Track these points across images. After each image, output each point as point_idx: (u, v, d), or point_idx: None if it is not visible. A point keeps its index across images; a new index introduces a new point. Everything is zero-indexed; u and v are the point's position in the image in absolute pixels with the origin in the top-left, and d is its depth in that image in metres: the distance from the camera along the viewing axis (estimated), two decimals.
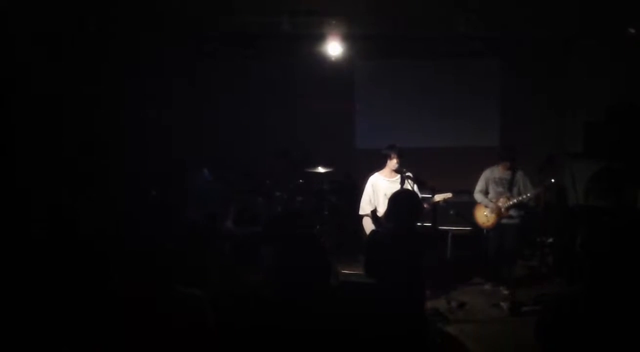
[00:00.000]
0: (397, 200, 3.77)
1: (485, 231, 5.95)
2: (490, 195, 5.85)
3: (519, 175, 5.71)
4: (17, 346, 2.89)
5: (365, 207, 5.39)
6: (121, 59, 6.86)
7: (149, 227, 3.58)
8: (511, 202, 5.69)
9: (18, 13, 5.43)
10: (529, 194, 5.64)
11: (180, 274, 2.65)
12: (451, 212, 6.05)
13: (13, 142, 6.37)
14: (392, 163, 5.29)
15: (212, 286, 2.92)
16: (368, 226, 5.41)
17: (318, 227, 6.77)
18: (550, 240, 6.87)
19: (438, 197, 5.33)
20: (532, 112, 7.86)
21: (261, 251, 3.87)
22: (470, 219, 6.23)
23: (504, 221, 5.76)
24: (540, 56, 7.72)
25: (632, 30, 5.85)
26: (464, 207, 6.32)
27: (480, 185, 5.96)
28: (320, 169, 6.72)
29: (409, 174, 5.13)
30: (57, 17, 5.82)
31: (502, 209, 5.74)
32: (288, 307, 3.51)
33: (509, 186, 5.69)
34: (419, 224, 4.21)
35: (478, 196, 5.95)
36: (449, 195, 5.38)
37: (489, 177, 5.91)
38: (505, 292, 5.64)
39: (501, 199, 5.75)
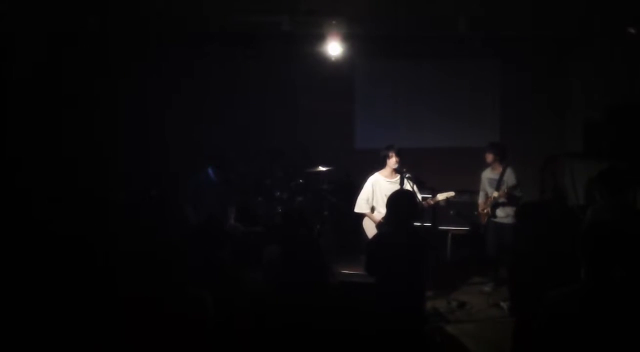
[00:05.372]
0: (395, 200, 3.78)
1: (482, 229, 5.97)
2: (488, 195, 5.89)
3: (507, 173, 5.68)
4: (19, 346, 2.90)
5: (361, 205, 5.39)
6: (121, 59, 6.87)
7: (150, 227, 3.59)
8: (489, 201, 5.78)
9: (18, 13, 5.43)
10: (495, 194, 5.67)
11: (183, 273, 2.66)
12: (451, 212, 6.06)
13: (12, 142, 6.37)
14: (392, 162, 5.30)
15: (216, 285, 2.91)
16: (368, 226, 5.41)
17: (318, 227, 6.77)
18: None
19: (441, 196, 5.33)
20: (532, 112, 7.87)
21: (264, 251, 3.87)
22: (470, 219, 6.23)
23: (499, 220, 5.76)
24: (540, 56, 7.73)
25: (632, 31, 5.84)
26: (464, 207, 6.33)
27: (481, 186, 6.02)
28: (321, 168, 6.75)
29: (408, 175, 5.14)
30: (57, 17, 5.82)
31: (483, 209, 5.86)
32: (288, 306, 3.52)
33: (497, 186, 5.69)
34: (418, 224, 4.24)
35: (479, 195, 6.04)
36: (451, 193, 5.38)
37: (483, 179, 5.97)
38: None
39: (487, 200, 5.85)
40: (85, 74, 6.93)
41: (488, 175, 5.89)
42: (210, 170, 5.43)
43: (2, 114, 5.94)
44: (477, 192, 6.23)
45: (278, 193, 6.71)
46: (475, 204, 6.15)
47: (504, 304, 5.26)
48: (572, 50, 7.66)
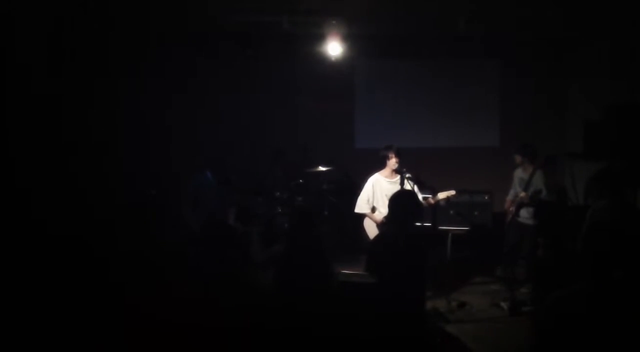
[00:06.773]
0: (397, 200, 3.79)
1: (505, 227, 6.05)
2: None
3: (536, 175, 5.73)
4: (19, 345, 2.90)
5: (361, 205, 5.39)
6: (121, 59, 6.87)
7: (149, 227, 3.59)
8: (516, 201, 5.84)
9: (17, 12, 5.43)
10: (521, 195, 5.71)
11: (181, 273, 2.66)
12: (451, 212, 6.06)
13: (10, 142, 6.36)
14: (392, 163, 5.29)
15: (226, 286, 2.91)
16: (369, 226, 5.41)
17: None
18: None
19: (442, 195, 5.33)
20: (532, 112, 7.87)
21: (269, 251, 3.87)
22: (470, 219, 6.23)
23: (521, 220, 5.83)
24: (540, 56, 7.73)
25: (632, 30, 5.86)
26: (464, 207, 6.33)
27: (512, 184, 6.15)
28: (321, 168, 6.75)
29: (408, 175, 5.14)
30: (57, 16, 5.82)
31: (509, 208, 5.96)
32: (289, 307, 3.52)
33: (525, 187, 5.73)
34: (418, 224, 4.24)
35: (510, 192, 6.17)
36: (452, 192, 5.38)
37: (515, 178, 6.08)
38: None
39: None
40: (84, 73, 6.92)
41: (519, 174, 5.99)
42: (208, 172, 5.43)
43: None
44: (477, 193, 6.25)
45: (278, 193, 6.71)
46: (475, 204, 6.17)
47: (504, 304, 5.26)
48: (572, 51, 7.66)
